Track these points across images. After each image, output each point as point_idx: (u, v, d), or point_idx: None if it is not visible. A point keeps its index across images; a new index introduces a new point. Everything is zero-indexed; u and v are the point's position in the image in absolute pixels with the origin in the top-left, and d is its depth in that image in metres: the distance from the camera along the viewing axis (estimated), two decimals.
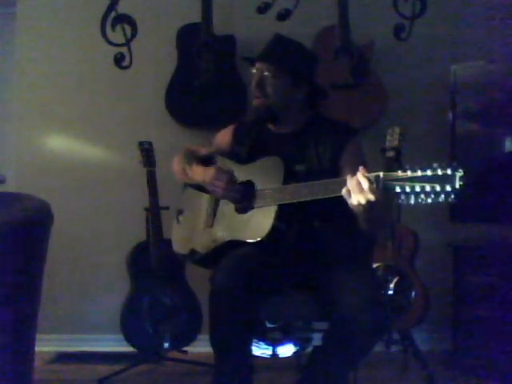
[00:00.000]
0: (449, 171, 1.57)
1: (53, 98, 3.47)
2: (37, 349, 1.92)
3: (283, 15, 3.14)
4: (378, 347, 1.99)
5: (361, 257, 2.14)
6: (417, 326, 3.03)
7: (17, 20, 3.48)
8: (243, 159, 2.21)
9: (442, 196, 1.58)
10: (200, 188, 2.23)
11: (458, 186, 1.56)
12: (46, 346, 3.16)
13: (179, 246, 2.28)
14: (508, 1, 3.40)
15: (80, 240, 3.43)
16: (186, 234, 2.27)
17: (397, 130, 2.83)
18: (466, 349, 3.02)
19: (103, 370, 2.95)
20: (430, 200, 1.59)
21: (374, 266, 2.89)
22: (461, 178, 1.56)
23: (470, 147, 3.14)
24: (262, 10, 3.14)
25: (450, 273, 3.17)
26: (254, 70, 2.16)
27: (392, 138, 2.81)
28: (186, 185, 2.34)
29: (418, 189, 1.60)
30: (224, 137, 2.32)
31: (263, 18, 3.19)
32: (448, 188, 1.57)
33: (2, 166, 3.56)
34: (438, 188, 1.57)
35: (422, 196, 1.60)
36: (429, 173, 1.59)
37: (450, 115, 3.19)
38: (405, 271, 2.95)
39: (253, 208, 2.06)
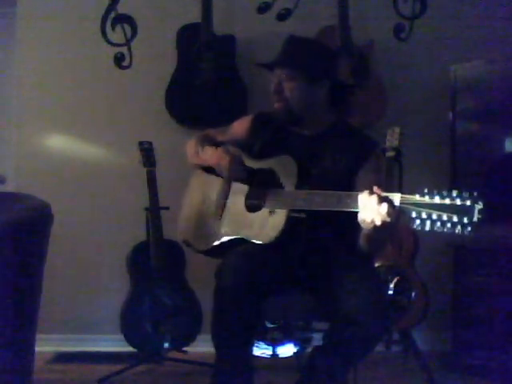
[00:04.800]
0: (468, 203, 1.52)
1: (53, 98, 3.47)
2: (37, 349, 1.92)
3: (283, 15, 3.14)
4: (378, 347, 1.99)
5: (362, 257, 2.14)
6: (417, 326, 3.03)
7: (17, 20, 3.48)
8: (256, 153, 2.20)
9: (459, 227, 1.53)
10: (210, 170, 2.24)
11: (476, 219, 1.51)
12: (46, 345, 3.16)
13: (182, 230, 2.28)
14: (508, 1, 3.41)
15: (80, 240, 3.43)
16: (191, 223, 2.27)
17: (397, 130, 2.84)
18: (466, 349, 3.02)
19: (103, 369, 2.94)
20: (445, 229, 1.55)
21: (375, 266, 2.89)
22: (480, 211, 1.51)
23: (469, 147, 3.14)
24: (262, 10, 3.14)
25: (450, 273, 3.17)
26: (271, 75, 2.15)
27: (392, 138, 2.82)
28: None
29: (434, 216, 1.55)
30: (241, 126, 2.29)
31: (263, 18, 3.19)
32: (465, 220, 1.52)
33: (2, 166, 3.56)
34: (455, 219, 1.53)
35: (438, 224, 1.55)
36: (447, 201, 1.54)
37: (450, 115, 3.19)
38: (405, 271, 2.95)
39: (261, 208, 2.06)
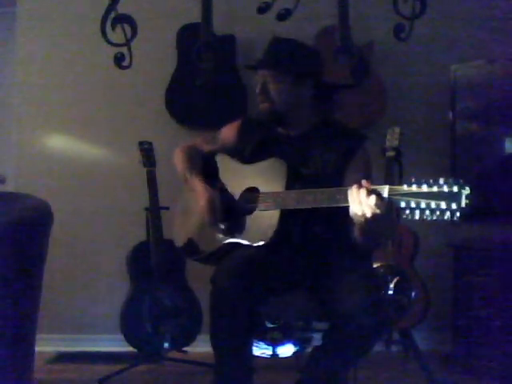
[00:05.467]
0: (455, 189, 1.56)
1: (53, 98, 3.47)
2: (37, 349, 1.92)
3: (283, 15, 3.13)
4: (378, 347, 1.99)
5: (361, 257, 2.14)
6: (417, 326, 3.03)
7: (17, 20, 3.48)
8: (246, 158, 2.21)
9: (448, 214, 1.57)
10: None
11: (464, 204, 1.55)
12: (46, 345, 3.16)
13: (178, 237, 2.27)
14: (508, 1, 3.40)
15: (80, 240, 3.43)
16: (187, 227, 2.27)
17: (397, 130, 2.84)
18: (466, 349, 3.02)
19: (103, 369, 2.94)
20: (435, 217, 1.58)
21: (374, 266, 2.89)
22: (467, 196, 1.55)
23: (469, 147, 3.14)
24: (262, 10, 3.13)
25: (450, 273, 3.17)
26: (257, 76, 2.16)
27: (392, 138, 2.83)
28: None
29: (423, 205, 1.59)
30: (229, 133, 2.30)
31: (263, 18, 3.19)
32: (454, 206, 1.56)
33: (2, 166, 3.56)
34: (443, 205, 1.56)
35: (427, 212, 1.59)
36: (435, 189, 1.58)
37: (450, 115, 3.19)
38: (405, 271, 2.95)
39: (253, 210, 2.05)
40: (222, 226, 2.10)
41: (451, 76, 3.18)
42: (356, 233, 1.92)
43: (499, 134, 3.11)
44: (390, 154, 2.80)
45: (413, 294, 2.95)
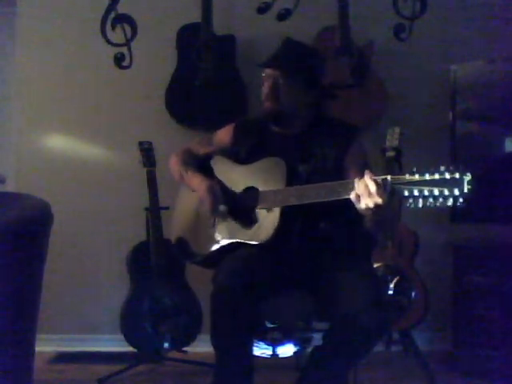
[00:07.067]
0: (457, 175, 1.59)
1: (53, 98, 3.47)
2: (37, 349, 1.92)
3: (283, 15, 3.14)
4: (378, 347, 1.99)
5: (362, 257, 2.14)
6: (417, 326, 3.03)
7: (17, 20, 3.48)
8: (243, 159, 2.21)
9: (451, 200, 1.59)
10: None
11: (466, 189, 1.58)
12: (46, 345, 3.16)
13: (175, 241, 2.29)
14: (508, 1, 3.40)
15: (80, 240, 3.43)
16: (184, 231, 2.27)
17: (397, 130, 2.83)
18: (466, 349, 3.02)
19: (103, 369, 2.94)
20: (438, 204, 1.61)
21: (374, 266, 2.89)
22: (469, 182, 1.58)
23: (469, 147, 3.14)
24: (262, 10, 3.14)
25: (450, 273, 3.17)
26: (264, 74, 2.16)
27: (392, 138, 2.82)
28: None
29: (426, 192, 1.61)
30: (224, 135, 2.31)
31: (263, 18, 3.19)
32: (456, 192, 1.58)
33: (2, 166, 3.56)
34: (446, 192, 1.59)
35: (431, 200, 1.61)
36: (437, 176, 1.60)
37: (450, 115, 3.19)
38: (405, 271, 2.95)
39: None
40: (223, 208, 2.11)
41: (451, 76, 3.18)
42: (367, 224, 1.93)
43: (499, 134, 3.11)
44: (390, 154, 2.80)
45: (413, 294, 2.95)
